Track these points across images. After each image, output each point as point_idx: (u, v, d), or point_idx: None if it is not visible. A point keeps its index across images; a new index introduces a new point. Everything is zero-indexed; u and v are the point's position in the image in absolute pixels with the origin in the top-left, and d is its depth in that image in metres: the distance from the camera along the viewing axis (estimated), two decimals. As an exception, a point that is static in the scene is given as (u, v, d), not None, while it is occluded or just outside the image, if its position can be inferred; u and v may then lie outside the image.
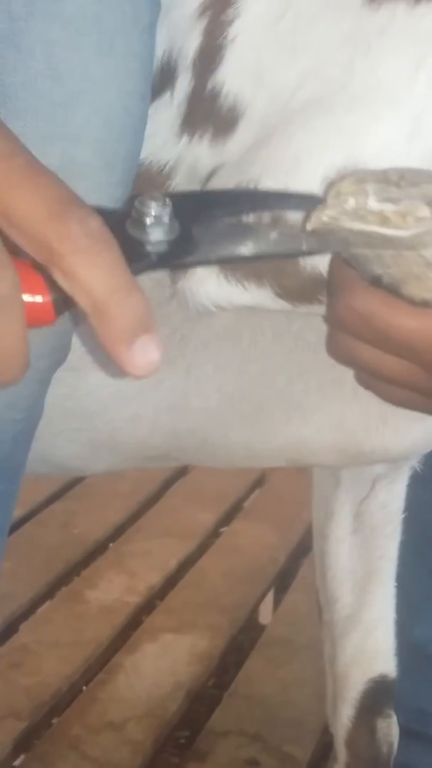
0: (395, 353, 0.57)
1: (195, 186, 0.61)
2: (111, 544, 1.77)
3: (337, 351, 0.60)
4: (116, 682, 1.38)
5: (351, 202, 0.53)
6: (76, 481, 1.92)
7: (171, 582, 1.65)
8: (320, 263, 0.59)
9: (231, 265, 0.59)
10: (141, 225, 0.48)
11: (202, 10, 0.61)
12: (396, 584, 0.92)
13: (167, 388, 0.69)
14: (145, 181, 0.61)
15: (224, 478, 1.94)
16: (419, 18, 0.59)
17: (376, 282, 0.56)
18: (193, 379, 0.68)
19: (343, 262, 0.56)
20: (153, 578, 1.65)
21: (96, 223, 0.44)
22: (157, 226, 0.49)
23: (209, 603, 1.58)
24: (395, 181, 0.54)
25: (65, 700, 1.35)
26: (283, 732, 1.29)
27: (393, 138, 0.58)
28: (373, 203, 0.53)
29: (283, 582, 1.68)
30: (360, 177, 0.53)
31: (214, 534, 1.82)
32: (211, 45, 0.61)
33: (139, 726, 1.29)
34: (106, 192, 0.55)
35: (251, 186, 0.58)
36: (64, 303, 0.45)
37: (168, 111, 0.62)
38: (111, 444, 0.73)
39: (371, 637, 0.92)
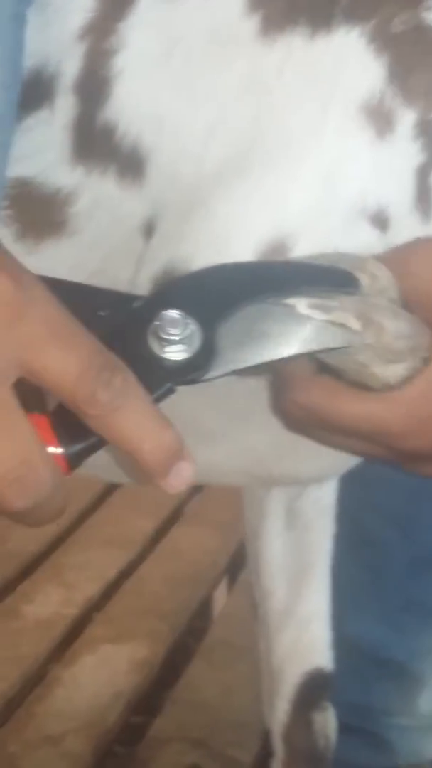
0: (345, 437, 0.58)
1: (124, 232, 0.61)
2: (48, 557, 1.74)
3: (290, 427, 0.62)
4: (54, 696, 1.34)
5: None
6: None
7: (110, 592, 1.62)
8: None
9: None
10: (161, 343, 0.49)
11: (83, 33, 0.59)
12: (331, 579, 0.91)
13: None
14: (39, 202, 0.60)
15: (163, 485, 1.91)
16: (317, 54, 0.58)
17: (322, 369, 0.57)
18: None
19: None
20: (91, 589, 1.61)
21: (120, 380, 0.47)
22: (177, 346, 0.49)
23: (149, 610, 1.55)
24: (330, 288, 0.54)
25: (1, 717, 1.31)
26: (225, 736, 1.27)
27: (313, 195, 0.57)
28: (303, 308, 0.53)
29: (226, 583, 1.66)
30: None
31: (154, 541, 1.80)
32: (97, 74, 0.59)
33: (78, 738, 1.26)
34: None
35: (185, 265, 0.57)
36: (77, 456, 0.48)
37: (50, 130, 0.60)
38: None
39: (306, 630, 0.91)
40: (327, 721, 0.90)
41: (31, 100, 0.60)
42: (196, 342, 0.50)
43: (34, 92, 0.60)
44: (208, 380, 0.51)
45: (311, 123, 0.57)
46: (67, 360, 0.46)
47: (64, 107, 0.60)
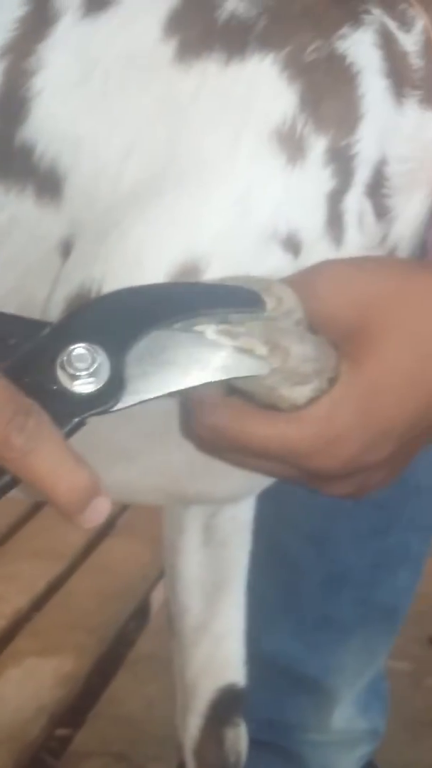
0: (255, 458, 0.59)
1: (42, 251, 0.61)
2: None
3: (201, 450, 0.62)
4: (-23, 709, 1.34)
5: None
6: None
7: (39, 604, 1.62)
8: None
9: None
10: (70, 376, 0.49)
11: (3, 53, 0.60)
12: (247, 595, 0.91)
13: None
14: None
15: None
16: (231, 81, 0.58)
17: (230, 391, 0.57)
18: None
19: None
20: (20, 601, 1.61)
21: (33, 423, 0.48)
22: (85, 379, 0.49)
23: (76, 624, 1.55)
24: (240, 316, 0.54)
25: None
26: (147, 750, 1.27)
27: (225, 219, 0.58)
28: (211, 334, 0.53)
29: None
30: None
31: (85, 554, 1.79)
32: (14, 94, 0.60)
33: (0, 751, 1.25)
34: None
35: (97, 286, 0.57)
36: (7, 485, 0.49)
37: None
38: None
39: (220, 646, 0.91)
40: (238, 737, 0.90)
41: None
42: (105, 373, 0.50)
43: None
44: (118, 411, 0.51)
45: (224, 147, 0.58)
46: None
47: None
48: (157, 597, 1.63)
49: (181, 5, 0.60)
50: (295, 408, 0.56)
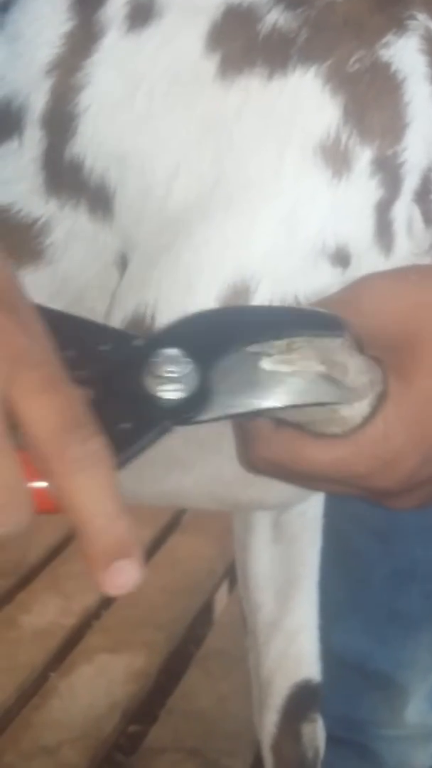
0: (315, 482, 0.58)
1: (100, 265, 0.61)
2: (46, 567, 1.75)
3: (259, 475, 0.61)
4: (50, 706, 1.36)
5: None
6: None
7: (107, 602, 1.63)
8: None
9: None
10: (158, 381, 0.49)
11: (50, 68, 0.60)
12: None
13: None
14: (17, 231, 0.61)
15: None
16: (274, 96, 0.58)
17: (280, 422, 0.56)
18: None
19: None
20: (89, 599, 1.62)
21: (96, 445, 0.45)
22: (174, 385, 0.49)
23: (146, 620, 1.56)
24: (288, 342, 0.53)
25: (-2, 727, 1.33)
26: (220, 745, 1.28)
27: (274, 238, 0.58)
28: (267, 365, 0.52)
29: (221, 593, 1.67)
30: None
31: (151, 550, 1.81)
32: (62, 109, 0.60)
33: (74, 749, 1.27)
34: None
35: (151, 311, 0.58)
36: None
37: (21, 161, 0.61)
38: None
39: (294, 642, 0.92)
40: (316, 733, 0.90)
41: (1, 130, 0.61)
42: (192, 383, 0.49)
43: (4, 122, 0.61)
44: (201, 422, 0.51)
45: (269, 165, 0.58)
46: (49, 409, 0.45)
47: (32, 140, 0.61)
48: (220, 598, 1.64)
49: (222, 19, 0.60)
50: (350, 429, 0.56)
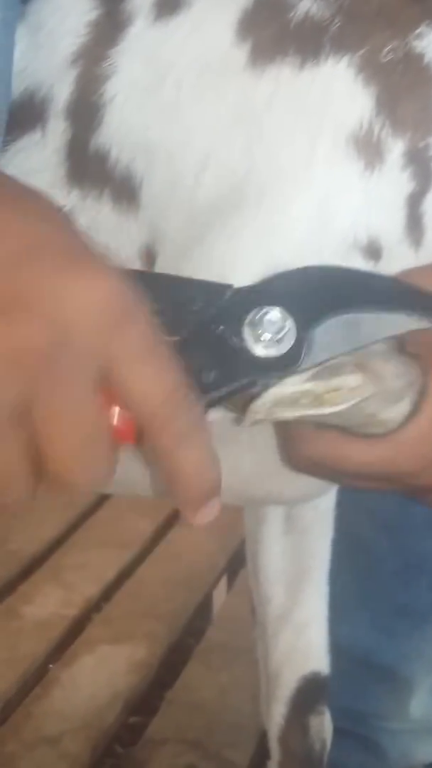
0: (358, 480, 0.59)
1: (125, 256, 0.61)
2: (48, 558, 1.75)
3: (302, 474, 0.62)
4: (52, 696, 1.36)
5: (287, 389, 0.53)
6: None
7: (109, 593, 1.63)
8: None
9: None
10: (255, 338, 0.50)
11: (75, 58, 0.60)
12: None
13: None
14: None
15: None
16: (306, 85, 0.58)
17: (322, 425, 0.57)
18: None
19: None
20: (90, 590, 1.62)
21: (197, 415, 0.48)
22: (269, 343, 0.50)
23: (147, 612, 1.56)
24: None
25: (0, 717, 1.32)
26: (222, 737, 1.28)
27: (305, 230, 0.57)
28: (304, 384, 0.53)
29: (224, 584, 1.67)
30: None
31: (153, 542, 1.81)
32: (88, 100, 0.60)
33: (76, 739, 1.27)
34: None
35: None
36: None
37: (44, 152, 0.61)
38: None
39: (303, 635, 0.92)
40: (323, 725, 0.90)
41: (24, 122, 0.60)
42: (289, 342, 0.50)
43: (28, 114, 0.61)
44: (297, 373, 0.51)
45: (301, 156, 0.57)
46: (155, 382, 0.46)
47: (55, 131, 0.60)
48: (218, 595, 1.63)
49: (253, 7, 0.59)
50: (392, 429, 0.56)
